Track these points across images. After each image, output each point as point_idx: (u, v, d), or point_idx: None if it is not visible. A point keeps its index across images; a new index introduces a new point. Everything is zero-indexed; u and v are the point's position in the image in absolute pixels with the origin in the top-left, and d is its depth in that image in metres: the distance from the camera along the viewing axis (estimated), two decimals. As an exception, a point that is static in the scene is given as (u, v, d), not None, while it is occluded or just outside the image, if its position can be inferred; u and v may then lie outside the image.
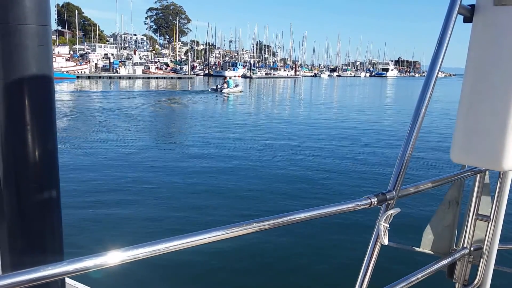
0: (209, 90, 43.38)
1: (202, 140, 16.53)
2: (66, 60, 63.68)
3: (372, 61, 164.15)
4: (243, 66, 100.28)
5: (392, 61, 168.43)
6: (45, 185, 0.95)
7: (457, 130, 1.48)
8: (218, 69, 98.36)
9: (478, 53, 1.43)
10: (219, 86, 42.44)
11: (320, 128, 20.97)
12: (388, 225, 1.22)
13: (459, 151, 1.49)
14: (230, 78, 49.24)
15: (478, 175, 1.78)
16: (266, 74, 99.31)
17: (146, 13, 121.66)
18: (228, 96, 38.74)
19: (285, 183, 10.51)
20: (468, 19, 1.44)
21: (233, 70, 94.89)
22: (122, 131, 18.16)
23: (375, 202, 1.20)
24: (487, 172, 1.79)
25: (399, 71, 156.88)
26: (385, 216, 1.22)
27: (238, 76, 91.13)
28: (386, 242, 1.21)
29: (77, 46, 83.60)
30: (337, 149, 15.26)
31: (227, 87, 41.73)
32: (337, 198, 9.21)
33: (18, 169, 0.97)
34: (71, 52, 74.67)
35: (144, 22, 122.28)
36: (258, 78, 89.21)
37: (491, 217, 1.78)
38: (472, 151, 1.45)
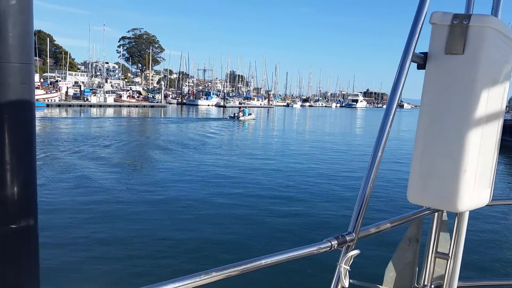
0: (228, 117, 50.94)
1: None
2: (36, 88, 62.44)
3: (342, 92, 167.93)
4: (217, 95, 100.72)
5: (361, 92, 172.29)
6: (23, 221, 0.96)
7: (413, 172, 1.51)
8: (191, 97, 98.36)
9: (431, 98, 1.47)
10: (236, 114, 50.12)
11: (287, 163, 21.13)
12: (349, 267, 1.23)
13: (415, 192, 1.52)
14: (245, 107, 56.93)
15: (436, 214, 1.84)
16: (239, 103, 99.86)
17: (119, 41, 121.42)
18: (243, 123, 46.05)
19: (250, 224, 10.07)
20: (421, 66, 1.50)
21: (207, 99, 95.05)
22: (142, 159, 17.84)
23: (335, 245, 1.21)
24: (445, 210, 1.85)
25: (368, 102, 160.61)
26: (346, 258, 1.23)
27: (212, 105, 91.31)
28: (346, 284, 1.21)
29: (48, 74, 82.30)
30: (304, 186, 15.30)
31: (243, 115, 49.47)
32: (303, 239, 8.91)
33: None
34: (41, 80, 73.34)
35: (117, 50, 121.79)
36: (232, 107, 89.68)
37: (450, 255, 1.83)
38: (428, 193, 1.48)
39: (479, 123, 1.41)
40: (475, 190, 1.46)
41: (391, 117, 1.35)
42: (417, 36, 1.39)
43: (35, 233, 1.04)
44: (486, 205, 1.65)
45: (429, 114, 1.47)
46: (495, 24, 1.40)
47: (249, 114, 51.34)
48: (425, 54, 1.48)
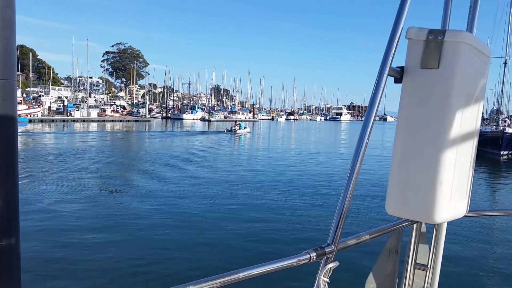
0: (225, 131, 54.44)
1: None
2: (18, 103, 61.35)
3: (327, 105, 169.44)
4: (202, 109, 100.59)
5: (345, 105, 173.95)
6: (4, 240, 0.94)
7: (391, 184, 1.53)
8: (176, 112, 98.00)
9: (407, 112, 1.49)
10: (233, 128, 53.91)
11: (271, 175, 21.14)
12: (328, 280, 1.23)
13: (393, 204, 1.53)
14: (241, 121, 60.83)
15: (415, 225, 1.86)
16: (224, 117, 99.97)
17: (103, 56, 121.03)
18: (240, 135, 49.28)
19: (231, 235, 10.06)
20: (398, 80, 1.52)
21: (192, 113, 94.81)
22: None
23: (314, 257, 1.20)
24: (422, 221, 1.87)
25: (351, 115, 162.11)
26: (325, 271, 1.22)
27: (197, 119, 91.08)
28: None
29: (30, 89, 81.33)
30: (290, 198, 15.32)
31: (239, 129, 53.18)
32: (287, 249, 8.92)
33: None
34: (24, 95, 72.38)
35: (101, 65, 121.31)
36: (217, 121, 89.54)
37: (429, 266, 1.84)
38: (406, 205, 1.49)
39: (455, 136, 1.44)
40: (451, 201, 1.49)
41: (369, 129, 1.37)
42: (393, 50, 1.42)
43: (16, 252, 1.01)
44: (464, 217, 1.67)
45: (406, 127, 1.50)
46: (469, 40, 1.43)
47: (245, 127, 55.31)
48: (402, 68, 1.51)
